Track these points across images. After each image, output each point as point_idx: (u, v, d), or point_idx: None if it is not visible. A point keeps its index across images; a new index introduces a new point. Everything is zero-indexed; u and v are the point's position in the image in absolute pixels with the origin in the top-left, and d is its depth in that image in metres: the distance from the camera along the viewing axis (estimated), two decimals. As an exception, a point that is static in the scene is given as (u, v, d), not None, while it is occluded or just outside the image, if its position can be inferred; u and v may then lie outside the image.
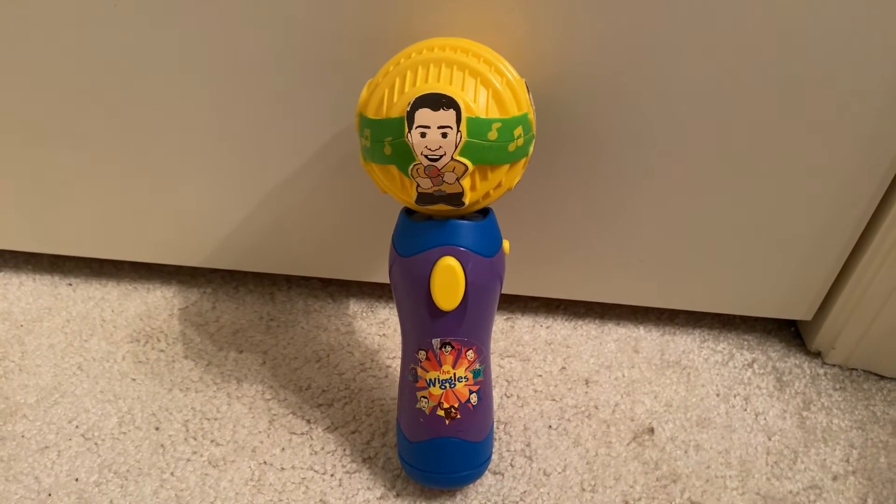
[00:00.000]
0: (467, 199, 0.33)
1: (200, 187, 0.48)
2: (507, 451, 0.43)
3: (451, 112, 0.31)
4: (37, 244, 0.54)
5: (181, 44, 0.41)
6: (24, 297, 0.54)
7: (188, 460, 0.42)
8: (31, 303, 0.53)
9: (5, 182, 0.50)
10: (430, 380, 0.37)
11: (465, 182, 0.33)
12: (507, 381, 0.48)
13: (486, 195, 0.35)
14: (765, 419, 0.45)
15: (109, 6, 0.40)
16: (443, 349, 0.36)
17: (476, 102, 0.33)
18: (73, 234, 0.52)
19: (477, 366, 0.37)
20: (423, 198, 0.33)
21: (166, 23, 0.40)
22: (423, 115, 0.31)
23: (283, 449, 0.43)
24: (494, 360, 0.49)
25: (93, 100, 0.44)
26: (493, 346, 0.49)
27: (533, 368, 0.49)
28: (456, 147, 0.32)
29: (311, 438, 0.43)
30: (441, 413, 0.37)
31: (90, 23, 0.41)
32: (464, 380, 0.37)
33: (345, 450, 0.43)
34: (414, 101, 0.31)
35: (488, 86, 0.33)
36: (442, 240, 0.35)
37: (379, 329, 0.52)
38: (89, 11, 0.40)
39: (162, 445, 0.43)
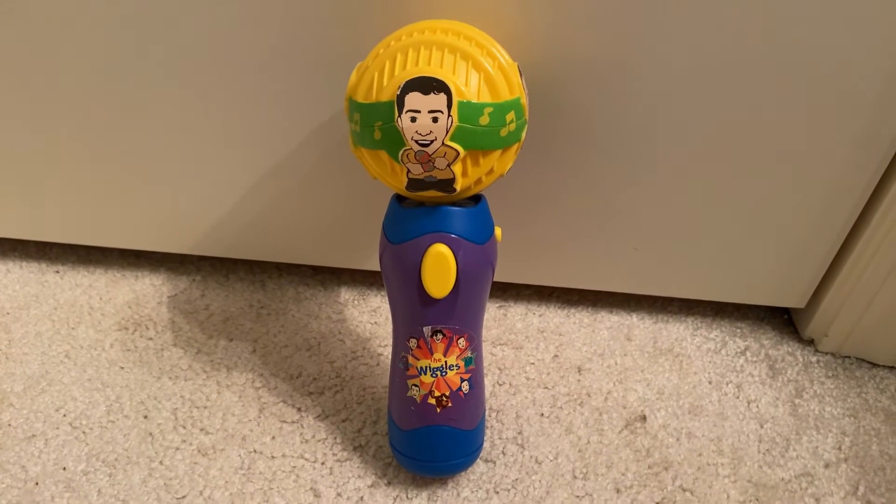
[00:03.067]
0: (458, 186, 0.33)
1: (190, 174, 0.47)
2: (499, 438, 0.43)
3: (442, 96, 0.31)
4: (23, 231, 0.53)
5: (168, 31, 0.40)
6: (10, 285, 0.53)
7: (177, 449, 0.41)
8: (18, 290, 0.53)
9: (-10, 168, 0.49)
10: (422, 368, 0.37)
11: (457, 168, 0.32)
12: (499, 368, 0.47)
13: (478, 181, 0.34)
14: (757, 407, 0.45)
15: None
16: (434, 337, 0.36)
17: (467, 86, 0.32)
18: (61, 221, 0.52)
19: (468, 354, 0.37)
20: (413, 184, 0.33)
21: (156, 13, 0.40)
22: (413, 99, 0.31)
23: (273, 437, 0.42)
24: (486, 347, 0.49)
25: (81, 88, 0.44)
26: (485, 333, 0.49)
27: (525, 356, 0.48)
28: (447, 132, 0.31)
29: (302, 427, 0.43)
30: (432, 401, 0.37)
31: (82, 14, 0.40)
32: (455, 368, 0.37)
33: (335, 438, 0.42)
34: (404, 85, 0.31)
35: (480, 69, 0.33)
36: (433, 226, 0.34)
37: (370, 317, 0.51)
38: (84, 4, 0.40)
39: (150, 434, 0.42)
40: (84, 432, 0.42)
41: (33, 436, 0.42)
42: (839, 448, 0.43)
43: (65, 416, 0.43)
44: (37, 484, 0.39)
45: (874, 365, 0.49)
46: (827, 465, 0.42)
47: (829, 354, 0.49)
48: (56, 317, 0.50)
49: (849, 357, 0.49)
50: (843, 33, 0.36)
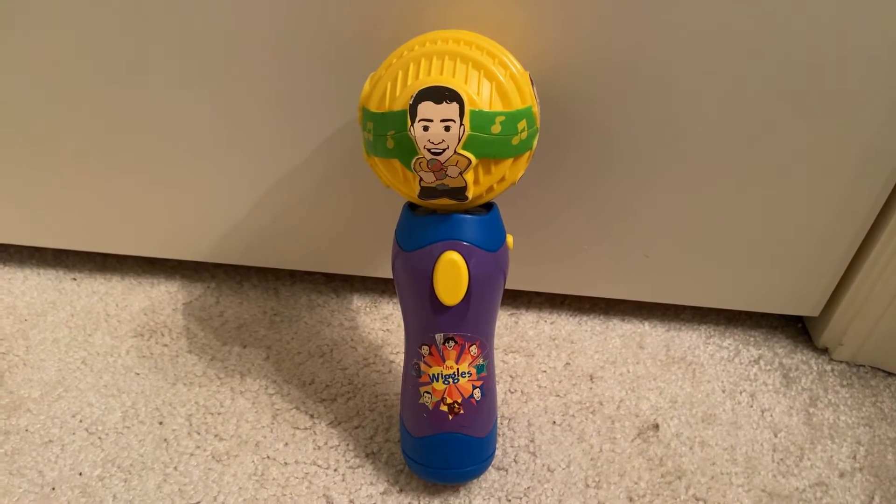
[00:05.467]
0: (470, 194, 0.33)
1: (204, 183, 0.48)
2: (511, 446, 0.43)
3: (455, 105, 0.31)
4: (41, 238, 0.54)
5: (183, 40, 0.41)
6: (28, 292, 0.54)
7: (192, 455, 0.42)
8: (36, 297, 0.53)
9: (10, 176, 0.50)
10: (434, 375, 0.37)
11: (469, 176, 0.32)
12: (510, 376, 0.47)
13: (490, 189, 0.34)
14: (771, 415, 0.45)
15: (108, 3, 0.40)
16: (446, 344, 0.36)
17: (479, 95, 0.32)
18: (78, 229, 0.52)
19: (480, 361, 0.37)
20: (425, 192, 0.33)
21: (168, 20, 0.40)
22: (425, 109, 0.31)
23: (286, 444, 0.43)
24: (498, 355, 0.49)
25: (96, 96, 0.44)
26: (496, 341, 0.49)
27: (537, 364, 0.48)
28: (459, 141, 0.31)
29: (315, 433, 0.43)
30: (444, 408, 0.37)
31: (92, 21, 0.41)
32: (467, 375, 0.37)
33: (348, 445, 0.43)
34: (417, 94, 0.31)
35: (492, 78, 0.33)
36: (445, 234, 0.35)
37: (382, 324, 0.51)
38: (90, 9, 0.40)
39: (165, 440, 0.43)
40: (100, 438, 0.43)
41: (50, 441, 0.42)
42: (854, 457, 0.43)
43: (81, 421, 0.44)
44: (53, 489, 0.40)
45: (889, 374, 0.48)
46: (842, 475, 0.42)
47: (844, 363, 0.49)
48: (73, 323, 0.51)
49: (863, 366, 0.49)
50: (852, 42, 0.36)
